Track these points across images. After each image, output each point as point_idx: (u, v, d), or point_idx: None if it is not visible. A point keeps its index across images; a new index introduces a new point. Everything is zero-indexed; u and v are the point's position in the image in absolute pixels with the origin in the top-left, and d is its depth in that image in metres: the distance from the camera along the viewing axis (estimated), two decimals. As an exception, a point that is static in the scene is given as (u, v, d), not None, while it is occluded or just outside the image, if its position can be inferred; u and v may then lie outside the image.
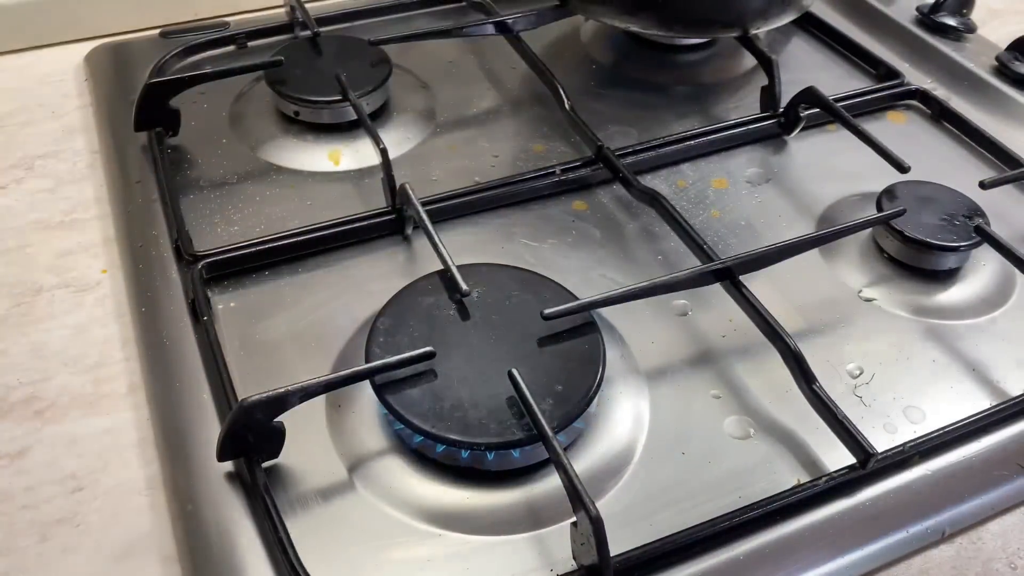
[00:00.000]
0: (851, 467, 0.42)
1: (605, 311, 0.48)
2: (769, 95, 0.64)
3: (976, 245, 0.52)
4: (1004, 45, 0.69)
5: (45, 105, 0.65)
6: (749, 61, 0.70)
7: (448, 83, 0.67)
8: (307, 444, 0.43)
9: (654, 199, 0.55)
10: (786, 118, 0.63)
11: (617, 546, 0.37)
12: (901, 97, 0.67)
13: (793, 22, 0.67)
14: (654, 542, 0.39)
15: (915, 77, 0.69)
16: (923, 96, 0.66)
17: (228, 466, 0.41)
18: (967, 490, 0.43)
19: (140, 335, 0.48)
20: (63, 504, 0.41)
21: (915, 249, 0.52)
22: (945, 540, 0.42)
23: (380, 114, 0.63)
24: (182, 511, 0.40)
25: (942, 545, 0.42)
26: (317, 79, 0.62)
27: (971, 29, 0.72)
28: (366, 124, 0.57)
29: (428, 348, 0.42)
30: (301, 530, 0.39)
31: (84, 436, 0.44)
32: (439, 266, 0.47)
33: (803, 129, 0.63)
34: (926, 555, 0.41)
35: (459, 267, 0.47)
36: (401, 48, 0.66)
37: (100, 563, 0.39)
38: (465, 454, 0.41)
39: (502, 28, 0.68)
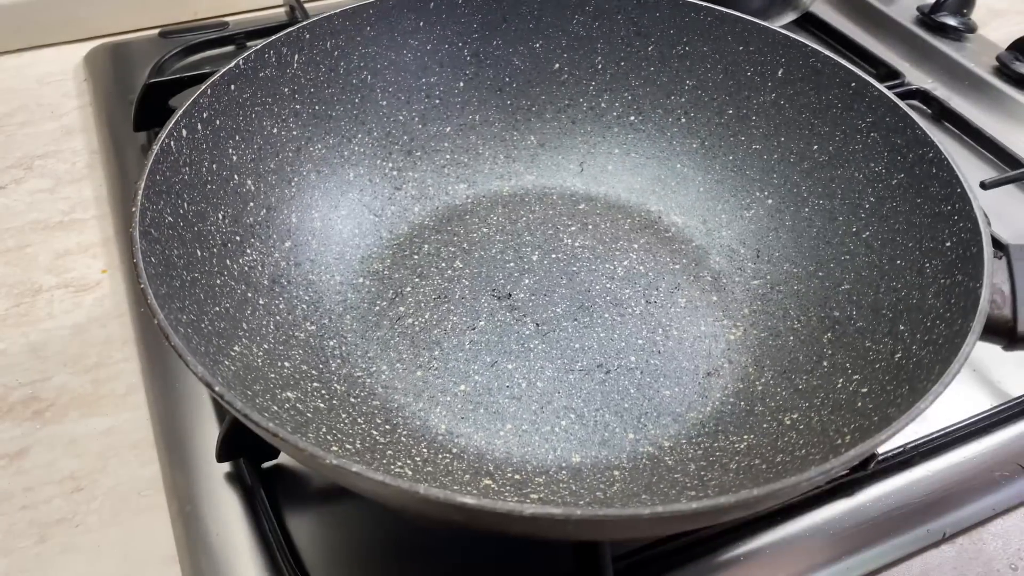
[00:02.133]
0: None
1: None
2: (769, 95, 0.64)
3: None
4: (1004, 45, 0.69)
5: (44, 105, 0.65)
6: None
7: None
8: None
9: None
10: (786, 118, 0.63)
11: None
12: (901, 97, 0.66)
13: (793, 22, 0.67)
14: (655, 542, 0.39)
15: (915, 77, 0.69)
16: (923, 96, 0.66)
17: (228, 466, 0.41)
18: (968, 491, 0.43)
19: (140, 335, 0.48)
20: (63, 504, 0.41)
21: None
22: (946, 541, 0.42)
23: (380, 114, 0.63)
24: (182, 511, 0.40)
25: (943, 546, 0.41)
26: (317, 79, 0.61)
27: (971, 29, 0.72)
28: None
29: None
30: (301, 530, 0.39)
31: (84, 436, 0.44)
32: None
33: (803, 129, 0.63)
34: (926, 556, 0.41)
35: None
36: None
37: (100, 563, 0.39)
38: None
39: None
